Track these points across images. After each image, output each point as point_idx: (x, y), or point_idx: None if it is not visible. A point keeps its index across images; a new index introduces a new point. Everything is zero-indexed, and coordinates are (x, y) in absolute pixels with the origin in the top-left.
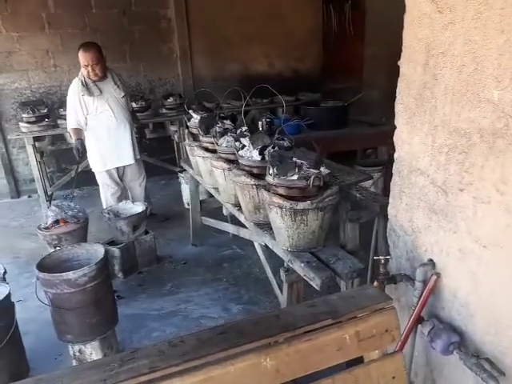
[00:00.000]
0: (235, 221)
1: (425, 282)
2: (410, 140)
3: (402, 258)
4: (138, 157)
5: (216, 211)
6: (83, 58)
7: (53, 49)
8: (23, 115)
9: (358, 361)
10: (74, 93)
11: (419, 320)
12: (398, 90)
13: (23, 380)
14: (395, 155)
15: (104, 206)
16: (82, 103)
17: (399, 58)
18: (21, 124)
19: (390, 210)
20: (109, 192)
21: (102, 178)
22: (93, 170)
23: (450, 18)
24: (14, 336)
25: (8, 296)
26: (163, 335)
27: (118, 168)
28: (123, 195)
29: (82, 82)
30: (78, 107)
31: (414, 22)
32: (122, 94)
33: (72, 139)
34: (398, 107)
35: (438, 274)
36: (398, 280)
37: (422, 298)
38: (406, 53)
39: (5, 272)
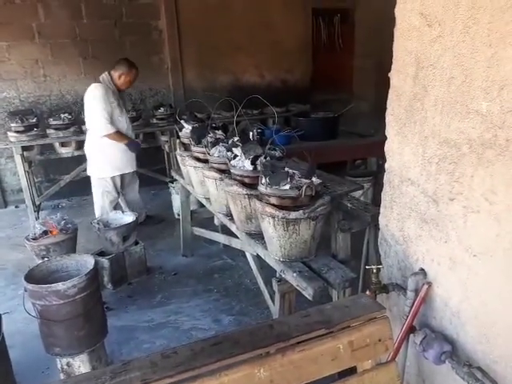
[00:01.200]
0: (226, 231)
1: (416, 292)
2: (401, 150)
3: (393, 267)
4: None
5: (207, 221)
6: (134, 76)
7: (42, 58)
8: (12, 124)
9: (350, 371)
10: (105, 99)
11: (411, 329)
12: (388, 102)
13: None
14: (386, 165)
15: (97, 215)
16: (110, 110)
17: (388, 71)
18: (9, 133)
19: (381, 220)
20: (108, 199)
21: (103, 185)
22: (96, 177)
23: (438, 31)
24: (0, 349)
25: None
26: (153, 347)
27: (121, 175)
28: (117, 204)
29: (112, 91)
30: (109, 113)
31: (403, 35)
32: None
33: (120, 142)
34: (389, 118)
35: (430, 283)
36: (389, 289)
37: (413, 308)
38: (396, 65)
39: None
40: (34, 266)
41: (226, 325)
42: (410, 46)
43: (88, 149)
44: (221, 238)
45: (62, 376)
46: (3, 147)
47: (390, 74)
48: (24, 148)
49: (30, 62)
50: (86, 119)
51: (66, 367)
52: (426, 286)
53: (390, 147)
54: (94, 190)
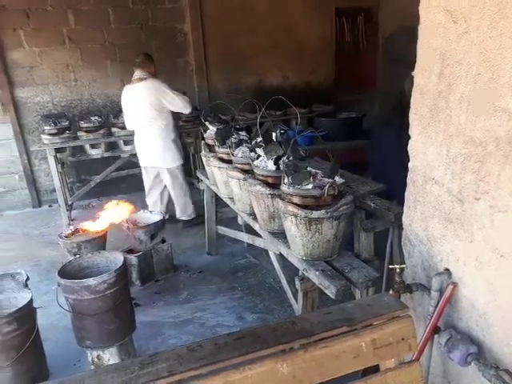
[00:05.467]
0: (250, 230)
1: (441, 292)
2: (425, 149)
3: (417, 267)
4: (173, 165)
5: (231, 221)
6: None
7: (73, 63)
8: (45, 127)
9: (374, 369)
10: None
11: (436, 330)
12: (412, 100)
13: (48, 382)
14: (410, 165)
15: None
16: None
17: (413, 69)
18: (43, 136)
19: (405, 219)
20: (146, 188)
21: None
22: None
23: (464, 27)
24: (35, 341)
25: (30, 302)
26: (180, 343)
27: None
28: (158, 196)
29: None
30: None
31: (428, 32)
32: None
33: None
34: (412, 117)
35: (455, 284)
36: (413, 289)
37: (438, 308)
38: (421, 63)
39: (27, 279)
40: (67, 262)
41: (249, 322)
42: (434, 43)
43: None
44: (244, 237)
45: (92, 368)
46: (37, 149)
47: (413, 73)
48: (57, 150)
49: (60, 66)
50: (150, 112)
51: (96, 360)
52: (451, 287)
53: (413, 146)
54: None
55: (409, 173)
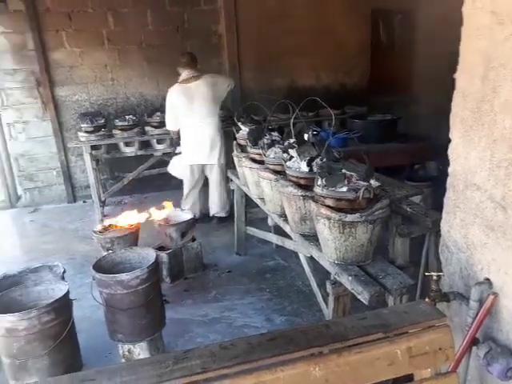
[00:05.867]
0: (279, 231)
1: (481, 302)
2: (466, 154)
3: (455, 275)
4: (223, 161)
5: (260, 221)
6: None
7: (111, 63)
8: (82, 125)
9: (407, 379)
10: None
11: (474, 341)
12: (453, 103)
13: (85, 371)
14: (450, 169)
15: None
16: None
17: (451, 72)
18: (79, 133)
19: (443, 226)
20: (186, 186)
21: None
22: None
23: (511, 29)
24: (71, 332)
25: (67, 293)
26: (207, 341)
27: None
28: (197, 196)
29: None
30: None
31: (472, 35)
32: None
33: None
34: (454, 120)
35: (496, 294)
36: (450, 298)
37: (477, 319)
38: (463, 65)
39: (64, 271)
40: (101, 257)
41: (278, 324)
42: (478, 45)
43: (213, 136)
44: (274, 239)
45: (123, 361)
46: (74, 146)
47: (455, 75)
48: (92, 147)
49: (99, 66)
50: (213, 107)
51: (127, 353)
52: (491, 297)
53: (454, 150)
54: None
55: (448, 177)
